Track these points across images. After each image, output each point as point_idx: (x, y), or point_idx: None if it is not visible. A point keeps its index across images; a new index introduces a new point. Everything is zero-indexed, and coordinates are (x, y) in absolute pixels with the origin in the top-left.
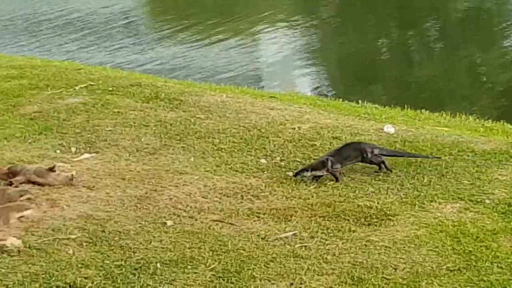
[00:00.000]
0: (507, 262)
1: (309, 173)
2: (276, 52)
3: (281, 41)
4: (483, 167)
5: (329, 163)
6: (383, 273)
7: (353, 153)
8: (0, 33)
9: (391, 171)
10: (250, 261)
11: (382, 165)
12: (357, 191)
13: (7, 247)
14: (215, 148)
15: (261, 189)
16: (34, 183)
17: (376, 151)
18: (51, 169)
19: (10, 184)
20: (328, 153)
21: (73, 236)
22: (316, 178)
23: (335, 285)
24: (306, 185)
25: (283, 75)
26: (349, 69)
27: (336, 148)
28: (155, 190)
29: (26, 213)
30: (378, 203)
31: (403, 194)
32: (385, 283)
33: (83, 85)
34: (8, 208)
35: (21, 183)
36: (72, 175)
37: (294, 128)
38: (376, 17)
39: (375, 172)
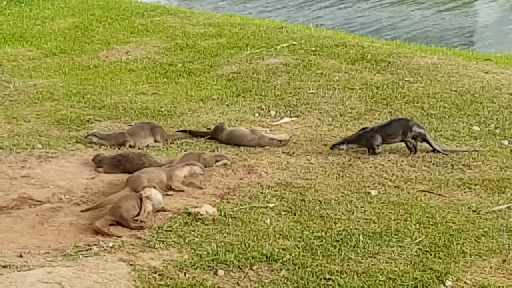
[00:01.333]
0: None
1: (345, 146)
2: (492, 12)
3: None
4: None
5: (367, 135)
6: None
7: (398, 129)
8: None
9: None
10: (460, 235)
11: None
12: None
13: (201, 215)
14: (424, 113)
15: (473, 158)
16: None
17: (420, 131)
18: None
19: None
20: (372, 127)
21: (271, 205)
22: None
23: None
24: None
25: (499, 36)
26: None
27: (382, 123)
28: (359, 158)
29: (191, 170)
30: None
31: None
32: None
33: (284, 45)
34: (174, 168)
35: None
36: (287, 138)
37: (510, 93)
38: None
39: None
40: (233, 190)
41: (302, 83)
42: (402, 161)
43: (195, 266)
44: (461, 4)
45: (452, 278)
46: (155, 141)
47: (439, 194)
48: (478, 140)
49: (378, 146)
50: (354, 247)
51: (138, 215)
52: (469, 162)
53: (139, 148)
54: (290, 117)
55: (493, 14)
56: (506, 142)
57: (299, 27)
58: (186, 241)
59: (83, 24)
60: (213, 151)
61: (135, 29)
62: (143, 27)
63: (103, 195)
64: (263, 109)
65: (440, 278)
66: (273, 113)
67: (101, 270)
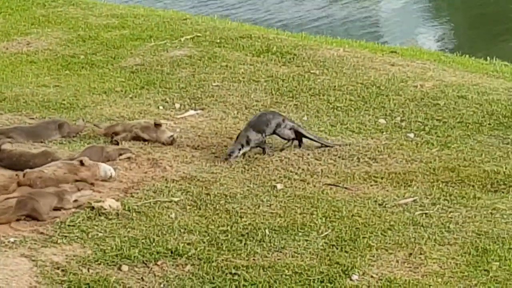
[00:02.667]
0: None
1: (239, 153)
2: (398, 4)
3: None
4: None
5: (252, 138)
6: (510, 244)
7: (273, 121)
8: None
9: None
10: (366, 229)
11: (289, 142)
12: (483, 155)
13: (105, 209)
14: (330, 106)
15: (379, 151)
16: (138, 139)
17: (289, 125)
18: (157, 125)
19: (115, 143)
20: (247, 126)
21: (175, 199)
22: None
23: (458, 255)
24: (428, 148)
25: (405, 29)
26: (477, 22)
27: (252, 119)
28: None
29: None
30: (506, 168)
31: None
32: None
33: (189, 37)
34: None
35: (124, 139)
36: (173, 136)
37: (416, 86)
38: None
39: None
40: (137, 184)
41: (207, 76)
42: (308, 155)
43: (99, 262)
44: None
45: (358, 272)
46: (63, 137)
47: (345, 188)
48: (384, 133)
49: (263, 142)
50: (260, 242)
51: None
52: (375, 155)
53: (41, 142)
54: (195, 110)
55: (398, 7)
56: (412, 135)
57: (203, 18)
58: (90, 236)
59: None
60: (117, 144)
61: (36, 20)
62: (44, 18)
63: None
64: (167, 102)
65: (346, 272)
66: (177, 105)
67: (2, 266)
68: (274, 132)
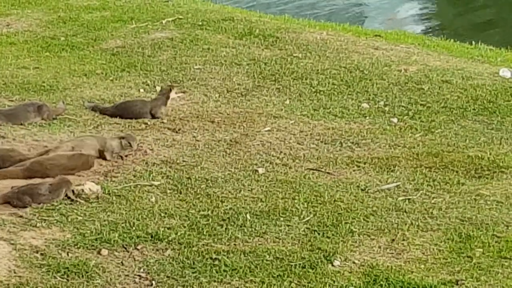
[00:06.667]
0: None
1: None
2: None
3: None
4: None
5: None
6: (493, 230)
7: None
8: None
9: None
10: (348, 214)
11: None
12: (467, 141)
13: (84, 193)
14: (313, 90)
15: (362, 136)
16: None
17: None
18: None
19: None
20: None
21: (156, 183)
22: None
23: (441, 242)
24: (412, 133)
25: (389, 12)
26: (462, 6)
27: None
28: (247, 135)
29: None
30: (490, 154)
31: None
32: (496, 241)
33: (170, 19)
34: None
35: None
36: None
37: (400, 70)
38: None
39: None
40: (117, 167)
41: (188, 58)
42: (290, 139)
43: (78, 246)
44: None
45: (340, 257)
46: (42, 119)
47: (328, 173)
48: (367, 117)
49: None
50: (241, 226)
51: None
52: (358, 140)
53: (20, 124)
54: (176, 93)
55: None
56: (395, 120)
57: (185, 0)
58: (69, 219)
59: None
60: (97, 127)
61: (16, 1)
62: None
63: None
64: (148, 85)
65: (328, 258)
66: (158, 88)
67: None
68: None
